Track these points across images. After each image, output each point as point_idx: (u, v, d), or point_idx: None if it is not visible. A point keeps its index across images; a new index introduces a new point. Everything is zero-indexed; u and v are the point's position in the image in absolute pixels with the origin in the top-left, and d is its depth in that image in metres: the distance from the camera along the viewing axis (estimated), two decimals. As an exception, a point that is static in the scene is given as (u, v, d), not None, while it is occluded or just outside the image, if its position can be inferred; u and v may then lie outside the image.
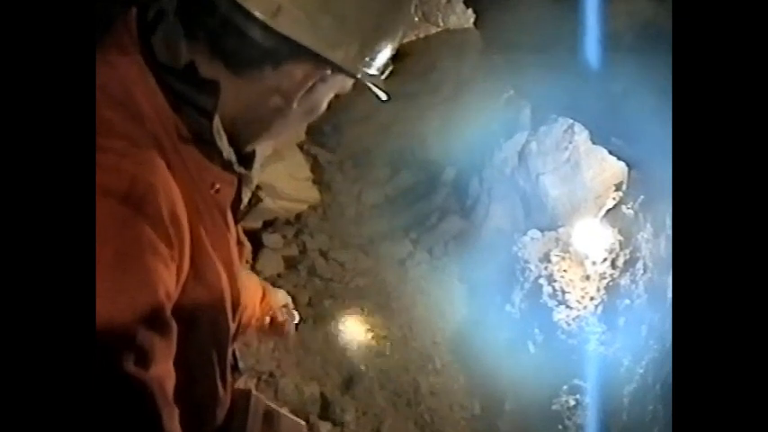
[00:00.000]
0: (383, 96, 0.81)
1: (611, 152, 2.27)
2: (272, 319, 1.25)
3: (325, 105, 0.83)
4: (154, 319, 0.64)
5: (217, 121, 0.74)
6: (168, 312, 0.67)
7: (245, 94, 0.75)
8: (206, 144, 0.74)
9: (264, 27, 0.68)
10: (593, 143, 2.34)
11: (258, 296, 1.24)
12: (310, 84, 0.76)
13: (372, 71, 0.78)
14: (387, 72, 0.81)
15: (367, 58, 0.75)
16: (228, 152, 0.76)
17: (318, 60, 0.72)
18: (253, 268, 2.57)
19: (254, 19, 0.67)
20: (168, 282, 0.67)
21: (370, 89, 0.80)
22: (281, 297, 1.28)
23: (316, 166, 3.00)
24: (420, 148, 3.06)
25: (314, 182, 2.92)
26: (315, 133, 2.98)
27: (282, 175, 2.68)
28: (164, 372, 0.65)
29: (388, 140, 3.05)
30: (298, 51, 0.70)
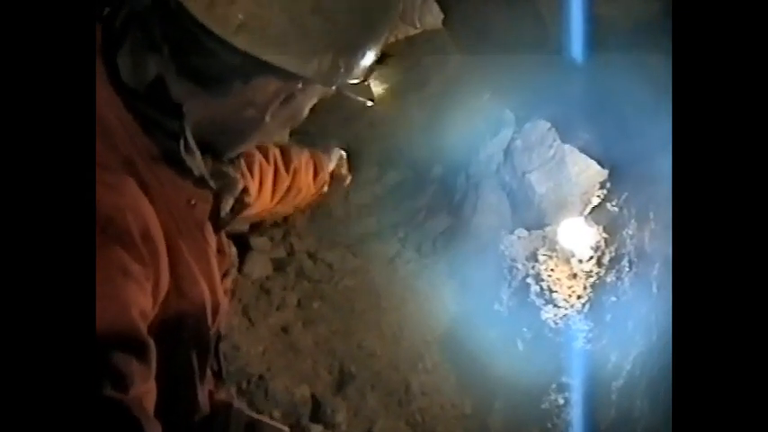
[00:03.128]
0: (368, 102, 0.81)
1: (581, 150, 2.29)
2: (333, 175, 1.40)
3: (306, 112, 0.82)
4: (129, 342, 0.64)
5: (185, 141, 0.73)
6: (144, 332, 0.67)
7: (216, 108, 0.75)
8: (178, 163, 0.74)
9: (225, 44, 0.67)
10: (562, 141, 2.37)
11: (311, 175, 1.33)
12: (284, 96, 0.75)
13: (352, 79, 0.76)
14: (370, 77, 0.80)
15: (342, 69, 0.73)
16: (201, 170, 0.76)
17: (287, 75, 0.71)
18: (240, 271, 2.56)
19: (214, 36, 0.66)
20: (143, 301, 0.67)
21: (351, 97, 0.79)
22: (334, 157, 1.41)
23: (302, 168, 2.99)
24: (407, 147, 3.05)
25: (300, 183, 2.92)
26: (301, 134, 2.96)
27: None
28: (143, 390, 0.65)
29: (375, 140, 3.04)
30: (265, 67, 0.70)
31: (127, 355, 0.62)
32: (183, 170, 0.74)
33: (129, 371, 0.62)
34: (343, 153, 1.40)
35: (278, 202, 1.28)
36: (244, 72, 0.70)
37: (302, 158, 1.29)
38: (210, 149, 0.81)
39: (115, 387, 0.60)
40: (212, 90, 0.72)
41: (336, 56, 0.71)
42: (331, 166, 1.36)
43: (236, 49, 0.66)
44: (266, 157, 1.20)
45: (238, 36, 0.65)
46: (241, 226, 2.79)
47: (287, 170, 1.25)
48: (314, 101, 0.81)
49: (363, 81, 0.78)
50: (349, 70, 0.74)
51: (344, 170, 1.39)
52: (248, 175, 1.04)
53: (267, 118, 0.76)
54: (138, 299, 0.66)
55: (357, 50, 0.74)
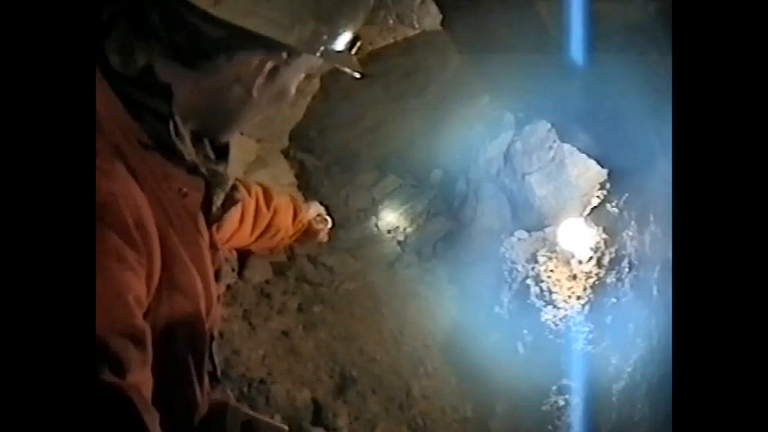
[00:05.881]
0: (355, 74, 0.80)
1: (580, 150, 2.29)
2: (308, 228, 1.34)
3: (294, 89, 0.82)
4: (125, 327, 0.63)
5: (175, 125, 0.73)
6: (140, 318, 0.66)
7: (204, 88, 0.75)
8: (168, 148, 0.73)
9: (207, 16, 0.67)
10: (562, 141, 2.36)
11: (290, 217, 1.32)
12: (268, 69, 0.75)
13: (338, 48, 0.76)
14: (355, 47, 0.79)
15: (325, 37, 0.74)
16: (192, 154, 0.76)
17: (270, 45, 0.71)
18: (240, 276, 2.56)
19: (196, 9, 0.67)
20: (137, 287, 0.67)
21: (338, 67, 0.79)
22: (313, 210, 1.36)
23: (302, 172, 2.99)
24: (406, 151, 3.06)
25: (299, 187, 2.92)
26: (301, 138, 2.97)
27: (266, 182, 2.67)
28: (141, 378, 0.65)
29: (374, 144, 3.05)
30: (247, 38, 0.70)
31: (123, 340, 0.62)
32: (174, 156, 0.74)
33: (127, 356, 0.61)
34: (322, 209, 1.39)
35: (256, 239, 1.28)
36: (227, 46, 0.71)
37: (282, 199, 1.31)
38: (203, 135, 0.81)
39: (112, 372, 0.59)
40: (199, 69, 0.72)
41: (318, 23, 0.72)
42: (308, 217, 1.35)
43: (218, 20, 0.67)
44: (248, 191, 1.22)
45: (218, 7, 0.66)
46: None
47: (267, 207, 1.26)
48: (300, 76, 0.81)
49: (349, 51, 0.78)
50: (332, 38, 0.74)
51: (321, 225, 1.37)
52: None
53: (254, 93, 0.76)
54: (133, 285, 0.65)
55: (339, 18, 0.74)
